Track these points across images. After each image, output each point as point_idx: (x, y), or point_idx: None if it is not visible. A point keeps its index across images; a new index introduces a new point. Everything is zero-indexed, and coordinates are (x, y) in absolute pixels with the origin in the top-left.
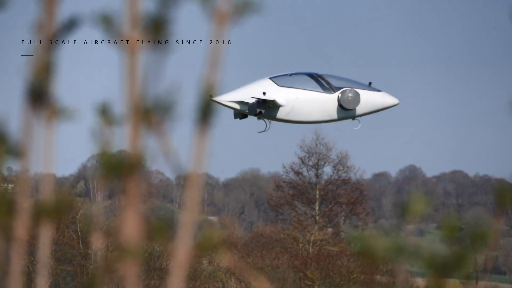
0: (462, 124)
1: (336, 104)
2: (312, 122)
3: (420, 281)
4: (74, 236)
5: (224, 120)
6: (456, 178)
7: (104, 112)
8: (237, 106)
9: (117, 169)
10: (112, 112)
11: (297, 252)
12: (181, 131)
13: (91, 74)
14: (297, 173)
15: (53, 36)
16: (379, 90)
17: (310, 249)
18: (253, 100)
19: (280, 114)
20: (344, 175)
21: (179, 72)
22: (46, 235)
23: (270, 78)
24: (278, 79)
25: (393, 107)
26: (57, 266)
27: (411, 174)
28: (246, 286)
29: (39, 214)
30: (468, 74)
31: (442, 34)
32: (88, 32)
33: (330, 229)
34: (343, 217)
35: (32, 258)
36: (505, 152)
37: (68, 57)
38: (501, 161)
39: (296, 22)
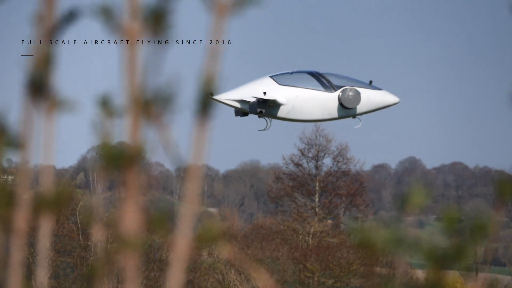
0: (462, 115)
1: (336, 102)
2: (313, 121)
3: (420, 272)
4: (74, 227)
5: (224, 116)
6: (456, 170)
7: (104, 104)
8: (238, 105)
9: (117, 160)
10: (112, 104)
11: (297, 244)
12: (181, 123)
13: (91, 65)
14: (297, 164)
15: (53, 28)
16: (379, 89)
17: (310, 240)
18: (254, 99)
19: (281, 112)
20: (344, 166)
21: (179, 64)
22: (46, 227)
23: (271, 77)
24: (279, 78)
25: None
26: (57, 258)
27: (411, 166)
28: (246, 278)
29: (39, 205)
30: (468, 66)
31: (442, 26)
32: (88, 24)
33: (330, 221)
34: (343, 209)
35: (32, 250)
36: (505, 144)
37: (68, 49)
38: (501, 152)
39: (297, 20)
